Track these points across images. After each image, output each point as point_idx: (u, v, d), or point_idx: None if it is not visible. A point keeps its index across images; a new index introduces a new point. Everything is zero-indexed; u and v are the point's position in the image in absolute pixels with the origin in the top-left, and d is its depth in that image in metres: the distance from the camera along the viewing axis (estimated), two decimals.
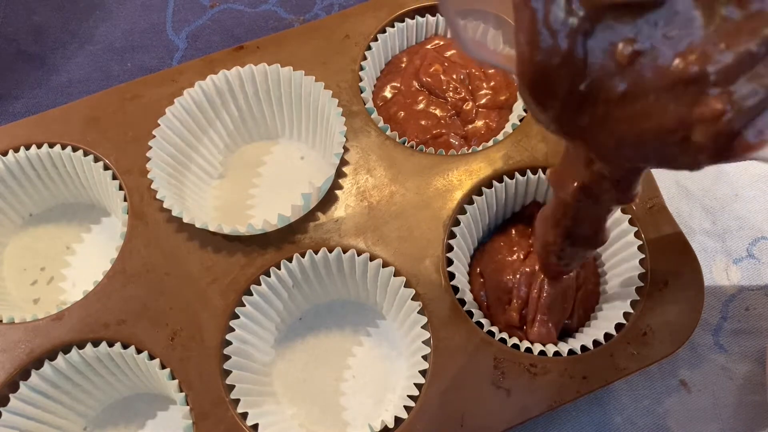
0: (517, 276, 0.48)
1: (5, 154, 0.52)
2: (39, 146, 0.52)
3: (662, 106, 0.25)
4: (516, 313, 0.47)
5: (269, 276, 0.48)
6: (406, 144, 0.52)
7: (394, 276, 0.47)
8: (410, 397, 0.44)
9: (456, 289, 0.47)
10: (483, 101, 0.56)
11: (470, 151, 0.53)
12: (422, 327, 0.45)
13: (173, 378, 0.45)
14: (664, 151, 0.27)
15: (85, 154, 0.52)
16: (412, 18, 0.58)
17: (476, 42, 0.32)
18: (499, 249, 0.50)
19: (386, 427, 0.43)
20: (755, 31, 0.23)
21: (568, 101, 0.27)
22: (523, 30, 0.26)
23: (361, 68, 0.55)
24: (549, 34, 0.26)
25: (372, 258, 0.48)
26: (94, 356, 0.46)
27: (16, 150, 0.52)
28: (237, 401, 0.44)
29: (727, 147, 0.25)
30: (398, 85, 0.57)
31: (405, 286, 0.47)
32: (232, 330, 0.46)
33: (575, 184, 0.34)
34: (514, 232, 0.51)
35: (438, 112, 0.55)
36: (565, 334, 0.48)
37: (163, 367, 0.45)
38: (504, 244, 0.50)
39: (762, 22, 0.23)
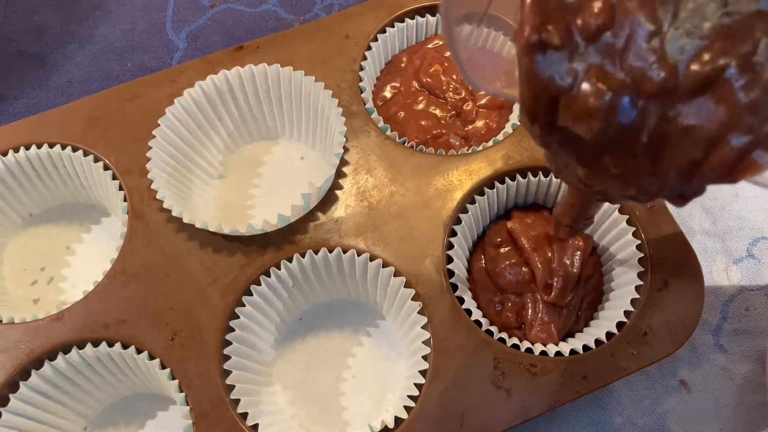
0: (507, 277, 0.48)
1: (5, 154, 0.52)
2: (39, 146, 0.52)
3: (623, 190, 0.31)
4: (512, 314, 0.47)
5: (269, 276, 0.48)
6: (406, 144, 0.52)
7: (394, 276, 0.47)
8: (410, 397, 0.44)
9: (455, 287, 0.47)
10: (483, 101, 0.56)
11: (470, 151, 0.53)
12: (422, 327, 0.45)
13: (173, 378, 0.45)
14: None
15: (85, 154, 0.52)
16: (412, 18, 0.58)
17: (477, 71, 0.33)
18: (487, 250, 0.50)
19: (386, 427, 0.43)
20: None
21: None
22: (524, 94, 0.28)
23: (361, 68, 0.55)
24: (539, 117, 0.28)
25: (372, 258, 0.48)
26: (94, 356, 0.46)
27: (16, 150, 0.52)
28: (237, 401, 0.44)
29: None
30: (398, 85, 0.57)
31: (405, 286, 0.47)
32: (232, 330, 0.46)
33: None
34: (499, 233, 0.51)
35: (438, 112, 0.55)
36: (566, 333, 0.48)
37: (163, 367, 0.45)
38: (491, 245, 0.50)
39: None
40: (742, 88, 0.24)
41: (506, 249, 0.49)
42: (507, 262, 0.48)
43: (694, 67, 0.24)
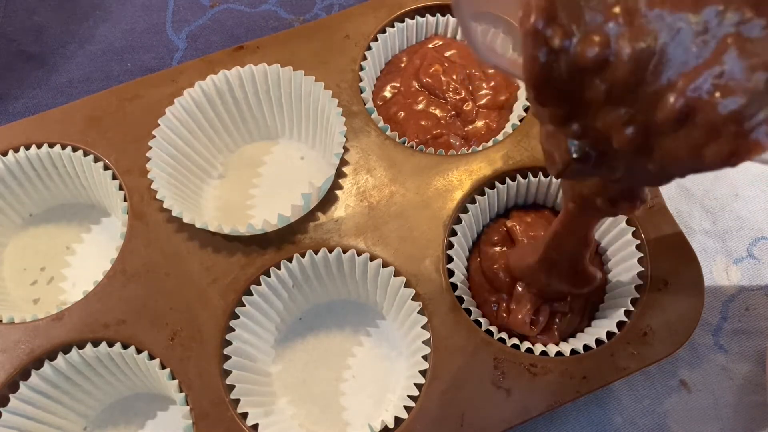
0: (502, 278, 0.48)
1: (5, 154, 0.52)
2: (39, 146, 0.52)
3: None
4: (508, 315, 0.47)
5: (269, 276, 0.48)
6: (406, 144, 0.52)
7: (394, 276, 0.47)
8: (410, 397, 0.44)
9: (455, 287, 0.47)
10: (483, 101, 0.56)
11: (470, 151, 0.53)
12: (422, 327, 0.45)
13: (173, 378, 0.45)
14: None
15: (85, 154, 0.52)
16: (412, 18, 0.58)
17: (488, 47, 0.33)
18: (483, 249, 0.50)
19: (386, 427, 0.43)
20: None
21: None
22: (527, 72, 0.28)
23: (361, 68, 0.55)
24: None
25: (372, 258, 0.48)
26: (94, 356, 0.46)
27: (16, 150, 0.52)
28: (237, 401, 0.44)
29: None
30: (398, 85, 0.57)
31: (405, 286, 0.47)
32: (232, 330, 0.46)
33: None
34: (497, 231, 0.51)
35: (438, 112, 0.55)
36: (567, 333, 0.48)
37: (163, 367, 0.45)
38: (488, 244, 0.50)
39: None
40: (721, 106, 0.24)
41: (503, 248, 0.49)
42: (503, 262, 0.48)
43: (667, 107, 0.24)
